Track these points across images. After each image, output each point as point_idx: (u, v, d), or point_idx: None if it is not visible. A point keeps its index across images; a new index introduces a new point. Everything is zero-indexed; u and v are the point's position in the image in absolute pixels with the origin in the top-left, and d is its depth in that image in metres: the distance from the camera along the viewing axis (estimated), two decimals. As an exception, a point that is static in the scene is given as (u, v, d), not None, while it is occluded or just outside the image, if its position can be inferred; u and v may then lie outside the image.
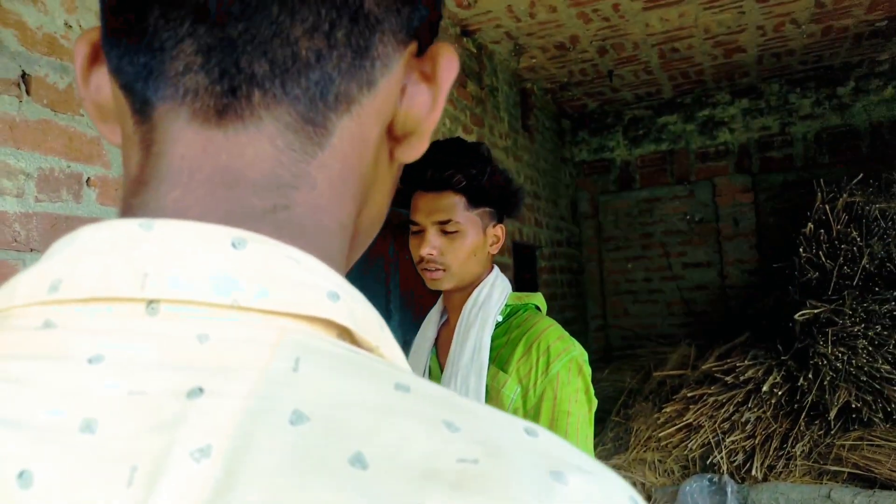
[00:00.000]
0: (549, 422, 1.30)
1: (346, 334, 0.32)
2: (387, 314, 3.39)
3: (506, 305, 1.45)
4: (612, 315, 6.51)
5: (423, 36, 0.39)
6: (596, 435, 5.36)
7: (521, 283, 4.92)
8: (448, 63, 0.39)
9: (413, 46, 0.38)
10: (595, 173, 6.55)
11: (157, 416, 0.26)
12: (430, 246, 1.38)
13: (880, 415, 3.82)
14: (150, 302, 0.29)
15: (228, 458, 0.25)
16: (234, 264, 0.30)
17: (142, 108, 0.34)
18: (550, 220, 5.67)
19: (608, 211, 6.57)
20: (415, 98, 0.39)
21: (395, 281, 3.46)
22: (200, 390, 0.27)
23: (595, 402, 1.36)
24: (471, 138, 4.17)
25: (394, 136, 0.40)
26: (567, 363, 1.32)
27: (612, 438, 5.16)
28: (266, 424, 0.26)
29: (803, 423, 3.99)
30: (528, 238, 5.05)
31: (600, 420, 5.64)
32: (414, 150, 0.40)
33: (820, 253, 4.19)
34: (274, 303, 0.30)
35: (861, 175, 4.56)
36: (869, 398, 3.83)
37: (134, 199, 0.34)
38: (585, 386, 1.33)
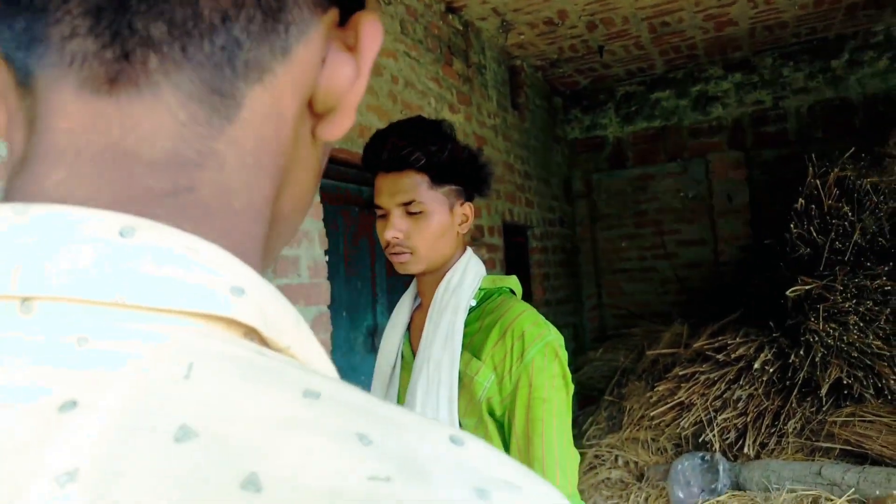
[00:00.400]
0: (525, 409, 1.26)
1: (253, 333, 0.28)
2: (373, 297, 3.36)
3: (480, 289, 1.41)
4: (607, 294, 6.49)
5: (344, 4, 0.36)
6: (589, 415, 5.36)
7: (511, 263, 4.89)
8: (371, 31, 0.36)
9: (333, 14, 0.35)
10: (588, 151, 6.49)
11: (22, 434, 0.23)
12: (394, 229, 1.33)
13: (871, 391, 3.80)
14: (24, 300, 0.26)
15: (98, 482, 0.22)
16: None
17: (25, 80, 0.30)
18: (542, 200, 5.62)
19: (601, 189, 6.51)
20: (336, 70, 0.35)
21: (381, 263, 3.43)
22: (74, 403, 0.24)
23: (572, 387, 1.33)
24: (457, 118, 4.12)
25: (315, 111, 0.36)
26: (542, 348, 1.27)
27: (606, 418, 5.15)
28: (145, 442, 0.23)
29: (795, 400, 3.98)
30: (518, 218, 5.01)
31: (593, 400, 5.63)
32: (337, 128, 0.37)
33: (811, 228, 4.14)
34: (165, 299, 0.26)
35: (853, 149, 4.50)
36: (860, 374, 3.81)
37: (14, 182, 0.30)
38: (562, 371, 1.29)
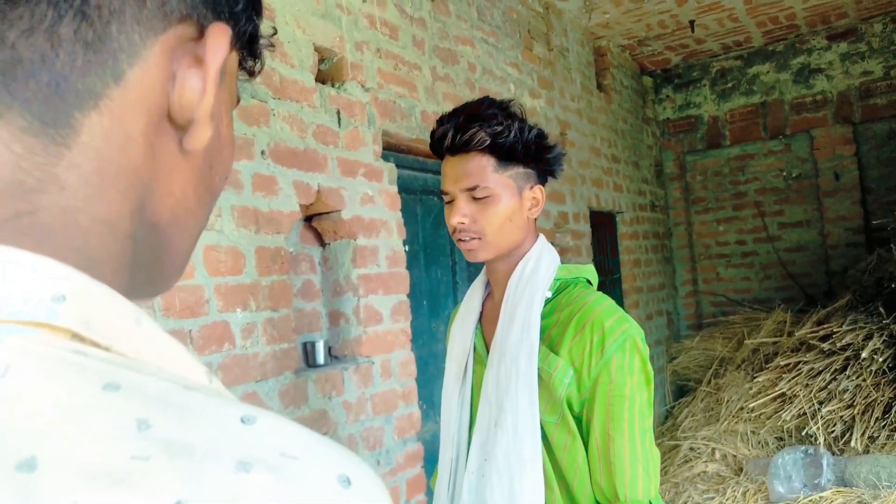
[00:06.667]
0: (605, 406, 1.21)
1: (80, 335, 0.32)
2: (453, 286, 3.35)
3: (555, 279, 1.35)
4: (703, 280, 6.23)
5: (202, 16, 0.38)
6: (685, 406, 5.18)
7: (600, 251, 4.77)
8: (213, 43, 0.38)
9: (181, 31, 0.37)
10: (681, 132, 6.23)
11: None
12: (459, 214, 1.29)
13: None
14: None
15: None
16: None
17: None
18: (632, 184, 5.45)
19: (696, 170, 6.25)
20: (185, 84, 0.37)
21: (461, 252, 3.41)
22: None
23: (652, 383, 1.26)
24: (538, 102, 4.04)
25: (178, 124, 0.38)
26: (623, 344, 1.21)
27: (703, 409, 4.96)
28: None
29: (908, 392, 3.69)
30: (606, 204, 4.87)
31: (691, 389, 5.43)
32: (196, 138, 0.39)
33: (926, 206, 3.82)
34: None
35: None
36: (984, 364, 3.50)
37: None
38: (644, 367, 1.23)
